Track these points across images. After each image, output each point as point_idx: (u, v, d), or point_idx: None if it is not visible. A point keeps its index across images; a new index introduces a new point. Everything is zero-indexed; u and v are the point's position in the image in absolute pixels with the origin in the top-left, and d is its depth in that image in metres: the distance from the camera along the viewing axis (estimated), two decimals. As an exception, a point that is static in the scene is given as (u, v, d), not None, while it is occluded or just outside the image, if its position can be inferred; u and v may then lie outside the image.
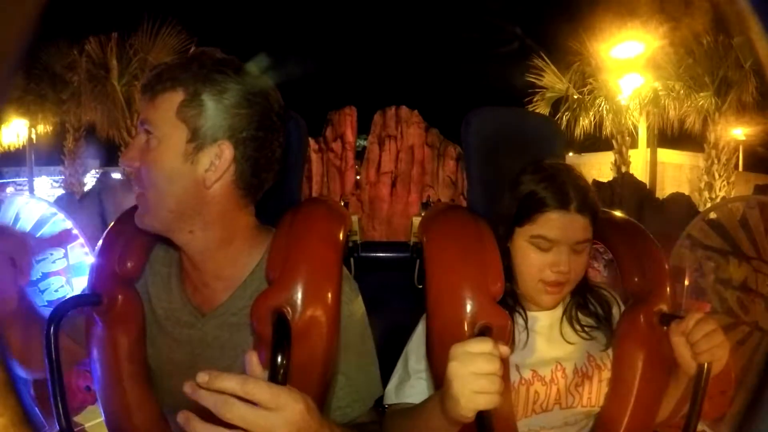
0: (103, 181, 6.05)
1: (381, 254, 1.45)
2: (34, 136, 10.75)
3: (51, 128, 10.65)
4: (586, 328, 1.04)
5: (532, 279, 0.99)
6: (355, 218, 1.24)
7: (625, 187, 6.42)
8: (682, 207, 5.77)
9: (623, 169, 8.91)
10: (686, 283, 3.07)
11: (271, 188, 0.93)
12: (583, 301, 1.07)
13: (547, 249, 0.97)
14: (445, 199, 10.03)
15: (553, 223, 0.96)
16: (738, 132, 9.32)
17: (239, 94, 0.83)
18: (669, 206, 5.88)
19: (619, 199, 6.22)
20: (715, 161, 8.72)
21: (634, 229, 1.11)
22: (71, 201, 5.94)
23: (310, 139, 9.38)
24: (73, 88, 9.93)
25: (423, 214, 1.15)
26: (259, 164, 0.87)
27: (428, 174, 10.31)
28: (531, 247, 0.98)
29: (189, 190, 0.84)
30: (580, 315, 1.06)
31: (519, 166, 1.04)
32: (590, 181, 1.07)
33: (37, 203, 3.26)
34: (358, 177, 10.31)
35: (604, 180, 7.02)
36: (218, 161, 0.83)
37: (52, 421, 0.80)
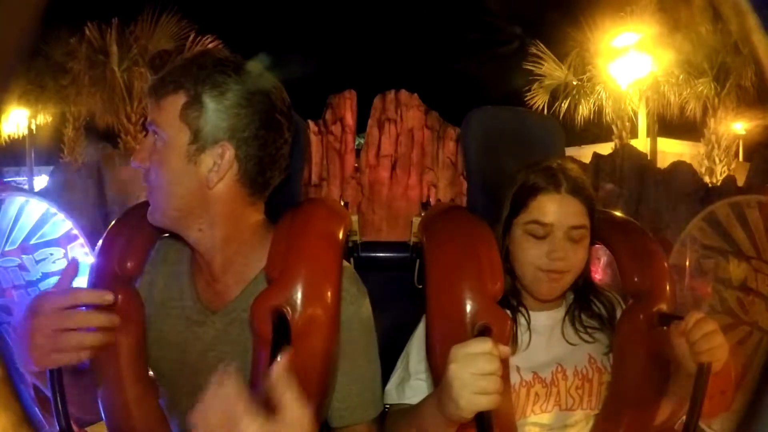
0: (104, 152, 5.95)
1: (381, 254, 1.45)
2: (33, 127, 10.74)
3: (50, 120, 10.64)
4: (588, 330, 1.04)
5: (531, 268, 0.99)
6: (354, 218, 1.24)
7: (625, 158, 6.20)
8: (685, 176, 5.51)
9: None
10: (686, 282, 3.07)
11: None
12: (586, 303, 1.07)
13: (543, 236, 0.98)
14: (445, 180, 9.97)
15: (546, 206, 0.97)
16: (738, 126, 9.28)
17: (239, 94, 0.84)
18: (671, 176, 5.58)
19: (620, 171, 5.96)
20: (716, 146, 8.65)
21: (633, 228, 1.11)
22: (68, 170, 5.78)
23: (309, 121, 9.38)
24: (73, 75, 9.92)
25: (423, 214, 1.15)
26: (264, 162, 0.88)
27: (428, 156, 10.23)
28: (527, 236, 0.99)
29: (193, 191, 0.85)
30: (583, 316, 1.06)
31: (519, 166, 1.04)
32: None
33: (37, 203, 3.25)
34: (356, 166, 10.27)
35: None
36: (220, 162, 0.85)
37: (52, 421, 0.79)
